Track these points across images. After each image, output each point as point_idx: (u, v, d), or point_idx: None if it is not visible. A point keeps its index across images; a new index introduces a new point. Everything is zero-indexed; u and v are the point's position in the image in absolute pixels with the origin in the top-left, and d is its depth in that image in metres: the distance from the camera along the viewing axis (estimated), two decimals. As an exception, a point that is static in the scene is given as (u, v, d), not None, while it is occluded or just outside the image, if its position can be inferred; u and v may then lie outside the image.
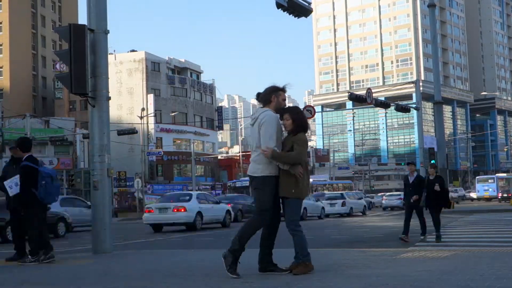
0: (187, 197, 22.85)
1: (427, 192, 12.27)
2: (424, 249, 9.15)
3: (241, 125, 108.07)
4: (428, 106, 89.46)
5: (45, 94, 76.46)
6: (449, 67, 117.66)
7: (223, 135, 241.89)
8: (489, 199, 57.07)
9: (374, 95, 32.21)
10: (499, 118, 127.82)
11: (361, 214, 37.36)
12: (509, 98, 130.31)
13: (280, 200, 6.07)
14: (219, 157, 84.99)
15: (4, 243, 16.03)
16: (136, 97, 68.55)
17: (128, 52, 72.59)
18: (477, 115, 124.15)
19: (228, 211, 24.19)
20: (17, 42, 71.55)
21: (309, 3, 14.84)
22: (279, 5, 13.72)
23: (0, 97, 67.92)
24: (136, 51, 72.40)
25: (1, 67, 71.43)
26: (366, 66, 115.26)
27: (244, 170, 78.30)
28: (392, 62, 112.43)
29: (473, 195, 61.93)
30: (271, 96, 6.13)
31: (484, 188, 59.27)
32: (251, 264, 6.40)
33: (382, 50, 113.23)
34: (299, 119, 6.04)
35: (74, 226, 23.14)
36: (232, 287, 5.50)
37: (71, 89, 10.00)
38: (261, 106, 6.18)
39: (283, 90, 6.21)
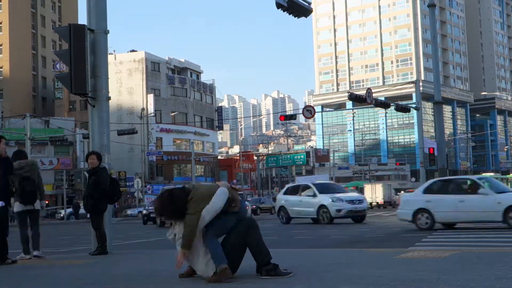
0: None
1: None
2: (424, 249, 9.15)
3: (241, 125, 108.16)
4: (428, 106, 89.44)
5: (45, 94, 76.47)
6: (449, 67, 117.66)
7: (223, 135, 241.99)
8: None
9: (374, 95, 32.21)
10: (499, 118, 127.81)
11: None
12: (509, 98, 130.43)
13: None
14: (219, 157, 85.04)
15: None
16: (136, 97, 68.58)
17: (128, 52, 72.65)
18: (477, 115, 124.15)
19: None
20: (17, 42, 71.55)
21: (309, 3, 14.84)
22: (279, 5, 13.72)
23: (0, 97, 67.93)
24: (136, 51, 72.44)
25: (1, 67, 71.43)
26: (366, 66, 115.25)
27: (244, 170, 78.41)
28: (392, 62, 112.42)
29: None
30: None
31: None
32: (251, 264, 6.40)
33: (382, 50, 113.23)
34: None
35: None
36: (232, 287, 5.50)
37: (71, 89, 10.00)
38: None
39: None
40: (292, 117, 39.38)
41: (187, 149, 70.60)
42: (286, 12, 14.09)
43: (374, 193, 55.04)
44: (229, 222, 5.87)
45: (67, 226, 32.44)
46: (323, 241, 13.52)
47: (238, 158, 78.15)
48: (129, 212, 52.92)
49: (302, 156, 79.16)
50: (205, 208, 5.73)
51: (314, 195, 21.31)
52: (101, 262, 8.63)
